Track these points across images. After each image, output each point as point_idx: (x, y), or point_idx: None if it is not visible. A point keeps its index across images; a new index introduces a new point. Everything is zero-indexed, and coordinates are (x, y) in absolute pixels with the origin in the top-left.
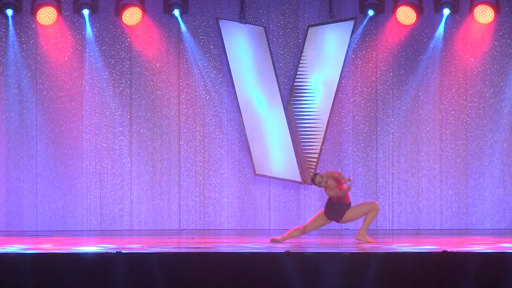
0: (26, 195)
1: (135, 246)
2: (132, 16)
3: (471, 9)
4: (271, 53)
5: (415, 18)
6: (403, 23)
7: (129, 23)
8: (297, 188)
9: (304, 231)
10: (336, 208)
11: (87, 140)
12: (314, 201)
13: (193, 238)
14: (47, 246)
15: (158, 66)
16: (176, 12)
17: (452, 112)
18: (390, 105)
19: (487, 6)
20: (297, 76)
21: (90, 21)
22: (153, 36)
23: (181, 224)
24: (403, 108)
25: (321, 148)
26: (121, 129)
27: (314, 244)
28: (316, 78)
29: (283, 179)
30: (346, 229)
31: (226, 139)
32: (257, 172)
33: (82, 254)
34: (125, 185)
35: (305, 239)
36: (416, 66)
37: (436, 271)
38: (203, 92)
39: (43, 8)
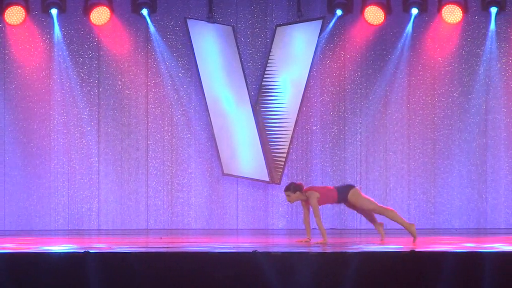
0: None
1: (103, 245)
2: (100, 15)
3: (439, 8)
4: (239, 52)
5: (383, 18)
6: (371, 23)
7: (97, 23)
8: (265, 187)
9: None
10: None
11: (55, 139)
12: (282, 200)
13: (161, 238)
14: (14, 246)
15: (126, 66)
16: (144, 11)
17: (420, 112)
18: (358, 105)
19: (455, 6)
20: (265, 76)
21: (58, 21)
22: (121, 35)
23: (149, 223)
24: (371, 107)
25: (289, 148)
26: (89, 128)
27: (282, 243)
28: (284, 77)
29: (251, 179)
30: (315, 228)
31: (194, 138)
32: (225, 172)
33: (50, 253)
34: (93, 184)
35: (274, 239)
36: (384, 66)
37: (404, 271)
38: (171, 92)
39: (11, 7)
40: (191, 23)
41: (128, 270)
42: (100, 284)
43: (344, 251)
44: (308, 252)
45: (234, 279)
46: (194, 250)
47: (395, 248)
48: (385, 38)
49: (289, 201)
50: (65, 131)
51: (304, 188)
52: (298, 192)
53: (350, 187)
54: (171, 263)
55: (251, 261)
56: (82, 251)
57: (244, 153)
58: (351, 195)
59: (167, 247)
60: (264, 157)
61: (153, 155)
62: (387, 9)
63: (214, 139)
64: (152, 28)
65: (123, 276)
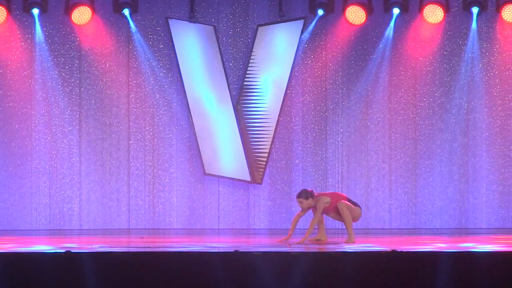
0: None
1: (84, 245)
2: (81, 15)
3: (420, 8)
4: (220, 52)
5: (364, 18)
6: (352, 23)
7: (78, 22)
8: (246, 187)
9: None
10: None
11: (36, 139)
12: (264, 200)
13: (142, 238)
14: None
15: (107, 65)
16: (126, 11)
17: (402, 112)
18: (340, 105)
19: (437, 6)
20: (246, 76)
21: (39, 20)
22: (103, 35)
23: (130, 223)
24: (353, 107)
25: (270, 148)
26: (70, 128)
27: (263, 243)
28: (265, 77)
29: (233, 179)
30: (297, 228)
31: (176, 138)
32: (206, 172)
33: (31, 253)
34: (75, 184)
35: (255, 239)
36: (366, 66)
37: (385, 271)
38: (153, 92)
39: None
40: (172, 23)
41: (109, 269)
42: (81, 283)
43: (325, 251)
44: (290, 252)
45: (215, 279)
46: (175, 250)
47: (376, 248)
48: (367, 38)
49: (301, 208)
50: (46, 131)
51: (316, 194)
52: (310, 199)
53: (358, 205)
54: (153, 263)
55: (232, 261)
56: (64, 251)
57: (226, 153)
58: (356, 208)
59: (149, 247)
60: (246, 157)
61: (134, 155)
62: (369, 9)
63: (196, 139)
64: (133, 28)
65: (104, 276)
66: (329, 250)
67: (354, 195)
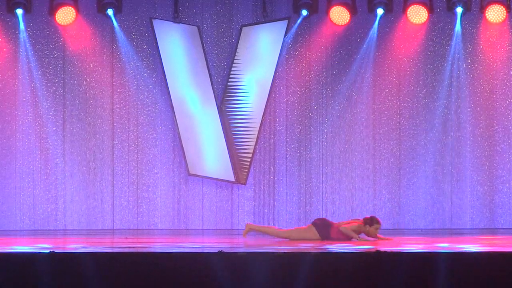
0: None
1: (68, 245)
2: (65, 15)
3: (404, 9)
4: (204, 53)
5: (348, 18)
6: (336, 23)
7: (62, 23)
8: (230, 187)
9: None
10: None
11: (20, 139)
12: (248, 200)
13: (126, 238)
14: None
15: (91, 66)
16: (110, 11)
17: (386, 112)
18: (324, 105)
19: (421, 6)
20: (230, 76)
21: (23, 21)
22: (87, 35)
23: (114, 223)
24: (337, 108)
25: (254, 148)
26: (54, 128)
27: (248, 244)
28: (249, 78)
29: (217, 179)
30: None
31: (160, 138)
32: (190, 172)
33: (15, 254)
34: (58, 184)
35: (239, 239)
36: (350, 66)
37: (369, 271)
38: (137, 92)
39: None
40: (156, 23)
41: (93, 270)
42: (65, 284)
43: (310, 251)
44: (274, 252)
45: (199, 280)
46: (159, 250)
47: (360, 248)
48: (351, 38)
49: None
50: (30, 131)
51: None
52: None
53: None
54: (137, 263)
55: (216, 262)
56: (48, 251)
57: (210, 154)
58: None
59: (133, 247)
60: (230, 157)
61: (118, 155)
62: (353, 9)
63: (180, 140)
64: (117, 28)
65: (88, 276)
66: (313, 251)
67: (339, 195)
